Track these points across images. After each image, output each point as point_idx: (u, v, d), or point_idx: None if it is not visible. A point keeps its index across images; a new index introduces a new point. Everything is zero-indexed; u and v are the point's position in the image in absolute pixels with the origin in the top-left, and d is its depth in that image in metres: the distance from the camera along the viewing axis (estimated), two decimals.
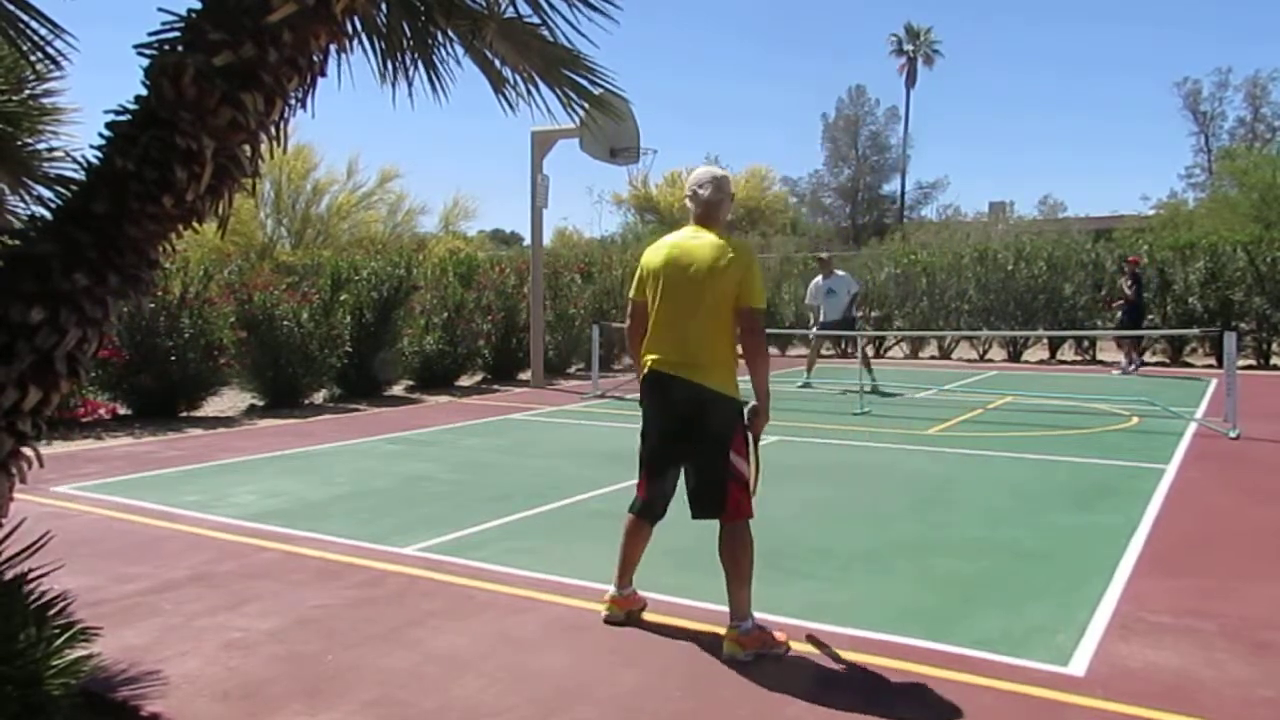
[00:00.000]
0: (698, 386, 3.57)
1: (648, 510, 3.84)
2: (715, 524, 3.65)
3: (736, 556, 3.56)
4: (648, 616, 3.92)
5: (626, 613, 3.88)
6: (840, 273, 13.19)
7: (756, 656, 3.49)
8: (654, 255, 3.76)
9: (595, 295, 16.49)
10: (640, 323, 3.82)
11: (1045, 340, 18.55)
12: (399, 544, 5.06)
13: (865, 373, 11.81)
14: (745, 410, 3.65)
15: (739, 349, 3.66)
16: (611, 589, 3.91)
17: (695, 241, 3.67)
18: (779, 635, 3.61)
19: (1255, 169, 29.32)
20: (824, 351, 13.64)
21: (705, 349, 3.58)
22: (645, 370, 3.75)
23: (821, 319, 12.98)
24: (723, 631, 3.59)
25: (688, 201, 3.78)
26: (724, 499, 3.56)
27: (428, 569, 4.63)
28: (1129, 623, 3.83)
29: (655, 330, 3.72)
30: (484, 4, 3.32)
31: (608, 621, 3.87)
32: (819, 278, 13.05)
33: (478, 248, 30.78)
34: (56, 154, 3.66)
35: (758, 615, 3.61)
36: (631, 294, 3.88)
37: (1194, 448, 7.98)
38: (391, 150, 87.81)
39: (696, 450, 3.64)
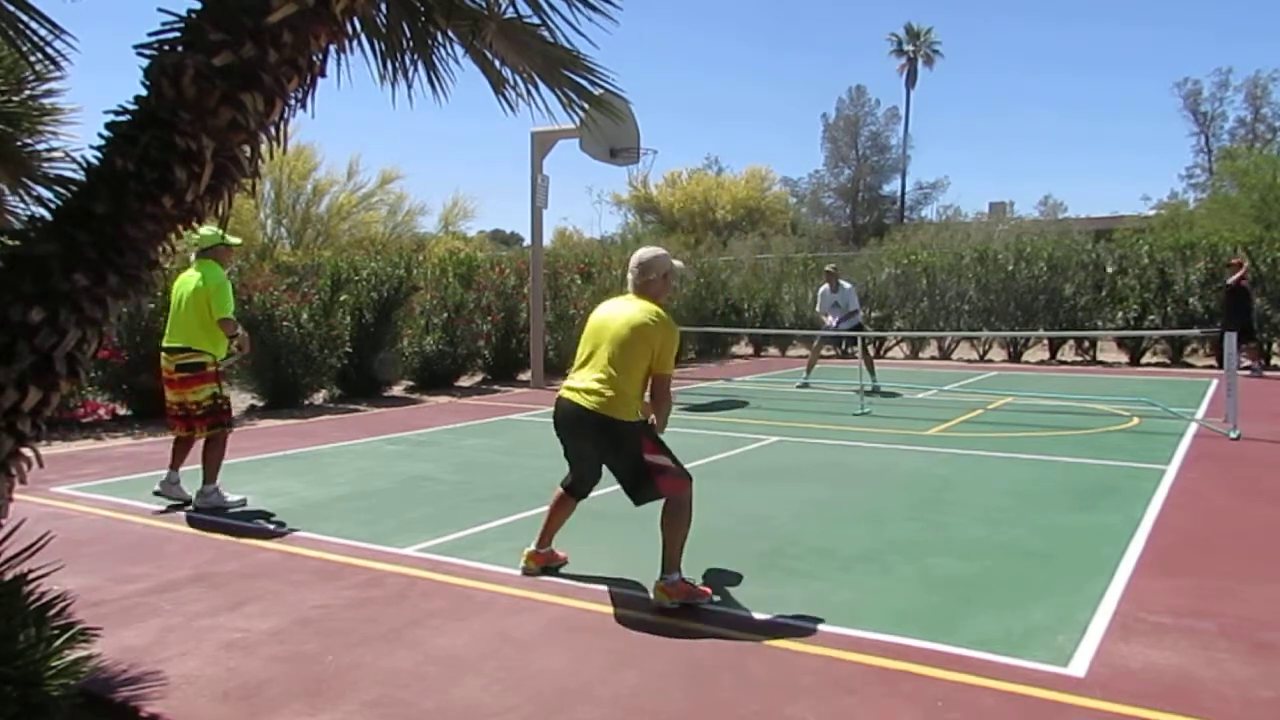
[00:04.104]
0: (596, 414, 4.05)
1: (574, 487, 4.50)
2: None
3: (674, 522, 4.08)
4: (648, 617, 3.93)
5: (542, 567, 4.49)
6: (846, 284, 13.16)
7: (688, 606, 3.97)
8: (595, 312, 4.36)
9: (595, 295, 16.49)
10: None
11: (1045, 341, 18.56)
12: (399, 544, 5.06)
13: (866, 373, 11.81)
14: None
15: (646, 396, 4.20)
16: (531, 546, 4.51)
17: (628, 306, 4.21)
18: (703, 589, 4.10)
19: (1255, 169, 29.32)
20: (824, 353, 13.63)
21: (610, 389, 4.04)
22: (558, 394, 4.27)
23: (828, 324, 13.01)
24: (724, 631, 3.62)
25: (629, 276, 4.35)
26: (655, 490, 4.07)
27: (428, 569, 4.63)
28: (1129, 623, 3.83)
29: (576, 367, 4.26)
30: (484, 4, 3.32)
31: (525, 574, 4.44)
32: (825, 288, 13.05)
33: (477, 248, 30.78)
34: (56, 154, 3.67)
35: (762, 616, 3.65)
36: None
37: (1194, 448, 7.98)
38: (391, 150, 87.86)
39: (613, 465, 4.17)
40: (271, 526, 5.48)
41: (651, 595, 4.05)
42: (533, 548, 4.51)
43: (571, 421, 4.17)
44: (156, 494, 5.99)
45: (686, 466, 4.16)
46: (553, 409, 4.28)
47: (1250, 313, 14.56)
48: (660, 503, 4.10)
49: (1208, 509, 5.89)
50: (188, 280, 5.92)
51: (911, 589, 4.32)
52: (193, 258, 6.05)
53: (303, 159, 27.05)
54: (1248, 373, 14.41)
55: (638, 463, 4.05)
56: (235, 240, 6.34)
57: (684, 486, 4.09)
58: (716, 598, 4.13)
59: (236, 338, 5.92)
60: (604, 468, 4.35)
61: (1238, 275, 14.38)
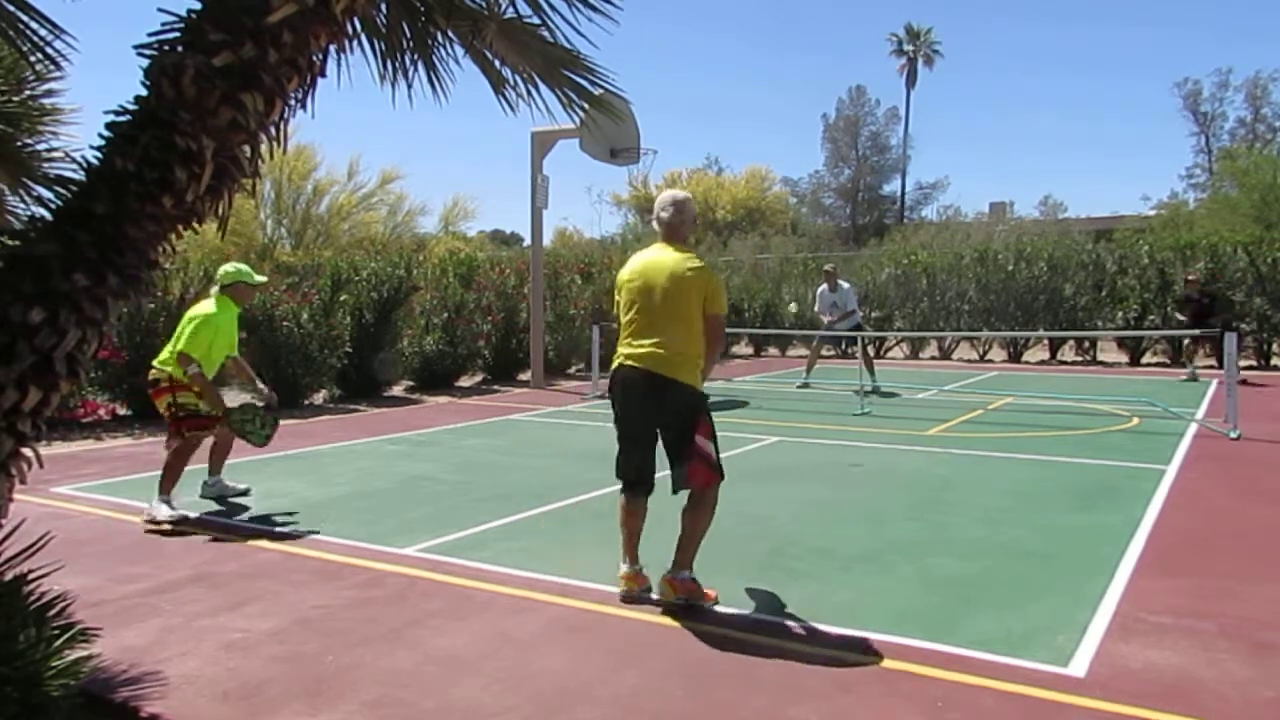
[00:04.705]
0: (665, 378, 3.99)
1: (636, 484, 4.18)
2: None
3: (696, 517, 4.04)
4: (648, 617, 3.93)
5: (644, 588, 4.18)
6: (845, 284, 13.15)
7: (688, 605, 3.95)
8: (627, 269, 4.20)
9: (595, 295, 16.49)
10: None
11: (1045, 341, 18.55)
12: (399, 544, 5.06)
13: (866, 373, 11.82)
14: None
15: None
16: (624, 567, 4.21)
17: (664, 256, 4.11)
18: (709, 593, 4.04)
19: (1256, 169, 29.31)
20: (824, 353, 13.63)
21: (673, 348, 3.99)
22: (615, 364, 4.17)
23: (826, 324, 13.03)
24: (724, 631, 3.64)
25: (654, 223, 4.25)
26: (686, 474, 4.00)
27: (428, 569, 4.63)
28: (1129, 623, 3.83)
29: (628, 332, 4.14)
30: (484, 4, 3.32)
31: (625, 599, 4.12)
32: (824, 287, 13.06)
33: (478, 248, 30.78)
34: (56, 154, 3.67)
35: (762, 616, 3.66)
36: (614, 309, 4.30)
37: (1195, 448, 7.98)
38: (391, 150, 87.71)
39: (667, 436, 4.07)
40: (271, 527, 5.48)
41: (655, 589, 4.03)
42: (626, 568, 4.19)
43: (642, 388, 4.04)
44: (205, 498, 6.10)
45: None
46: (613, 379, 4.18)
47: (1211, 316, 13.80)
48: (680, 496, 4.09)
49: (1208, 509, 5.89)
50: (196, 309, 5.89)
51: (911, 589, 4.32)
52: (212, 291, 6.01)
53: (303, 159, 27.02)
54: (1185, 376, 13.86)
55: (690, 441, 3.98)
56: (260, 278, 6.16)
57: (713, 481, 4.04)
58: (720, 607, 4.08)
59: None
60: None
61: (1198, 295, 13.95)
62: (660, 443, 4.13)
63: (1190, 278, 14.90)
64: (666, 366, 3.98)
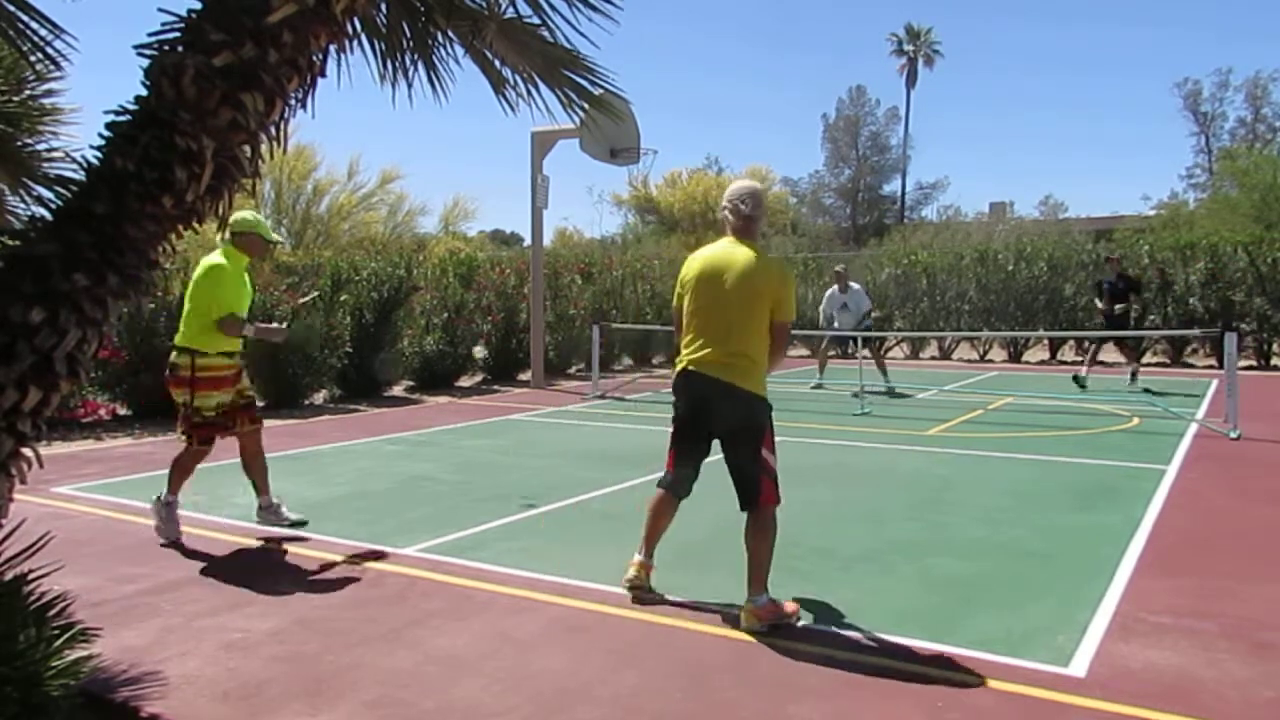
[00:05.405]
0: (731, 386, 3.84)
1: (675, 486, 4.12)
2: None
3: (762, 535, 3.88)
4: (647, 617, 3.93)
5: (648, 577, 4.17)
6: (855, 286, 13.10)
7: (771, 628, 3.74)
8: (693, 264, 4.02)
9: (595, 295, 16.49)
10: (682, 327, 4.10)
11: (1046, 341, 18.55)
12: (399, 544, 5.06)
13: (880, 374, 11.84)
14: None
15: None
16: (638, 556, 4.18)
17: (735, 252, 3.92)
18: (789, 607, 3.87)
19: (1256, 169, 29.34)
20: (830, 353, 13.58)
21: (740, 352, 3.84)
22: (680, 368, 4.00)
23: (835, 328, 12.98)
24: (724, 631, 3.63)
25: (727, 214, 4.00)
26: (756, 492, 3.86)
27: (428, 569, 4.63)
28: (1129, 623, 3.83)
29: (691, 332, 3.97)
30: (484, 4, 3.33)
31: (633, 585, 4.13)
32: (834, 288, 13.02)
33: (478, 248, 30.75)
34: (56, 154, 3.67)
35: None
36: (675, 303, 4.14)
37: (1195, 448, 7.98)
38: (391, 150, 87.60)
39: (732, 447, 3.91)
40: (271, 527, 5.47)
41: (741, 620, 3.80)
42: (639, 557, 4.17)
43: (708, 396, 3.87)
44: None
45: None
46: (676, 383, 4.02)
47: (1128, 310, 13.11)
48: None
49: (1208, 509, 5.88)
50: (199, 266, 5.30)
51: (911, 589, 4.32)
52: (219, 240, 5.25)
53: (303, 159, 27.00)
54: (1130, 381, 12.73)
55: (756, 456, 3.85)
56: (276, 237, 5.56)
57: (777, 499, 3.90)
58: (719, 607, 4.11)
59: (245, 336, 5.19)
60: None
61: (1116, 278, 13.06)
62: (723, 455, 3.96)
63: (1110, 257, 13.98)
64: (733, 373, 3.83)
